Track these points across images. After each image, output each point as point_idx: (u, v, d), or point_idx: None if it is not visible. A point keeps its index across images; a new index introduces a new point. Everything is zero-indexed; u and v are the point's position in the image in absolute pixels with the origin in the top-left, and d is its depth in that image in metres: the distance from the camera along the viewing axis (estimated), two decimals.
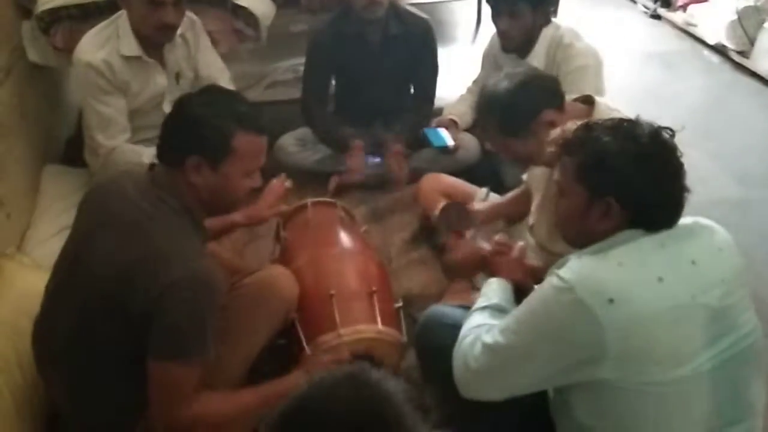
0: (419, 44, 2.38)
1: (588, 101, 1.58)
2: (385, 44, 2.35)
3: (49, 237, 2.02)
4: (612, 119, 1.17)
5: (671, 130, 1.14)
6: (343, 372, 0.73)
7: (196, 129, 1.27)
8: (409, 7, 2.43)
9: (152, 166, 1.37)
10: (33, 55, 2.35)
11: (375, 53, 2.36)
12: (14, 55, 2.27)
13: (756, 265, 2.13)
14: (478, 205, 2.00)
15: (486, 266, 1.51)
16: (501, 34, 2.19)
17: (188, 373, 1.24)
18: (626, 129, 1.13)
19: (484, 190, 2.07)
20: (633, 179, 1.09)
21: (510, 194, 1.98)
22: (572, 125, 1.22)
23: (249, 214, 1.74)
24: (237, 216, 1.76)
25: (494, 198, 2.04)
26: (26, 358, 1.46)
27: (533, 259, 1.60)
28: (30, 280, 1.67)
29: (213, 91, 1.41)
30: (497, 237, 1.53)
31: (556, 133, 1.36)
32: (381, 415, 0.68)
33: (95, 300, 1.26)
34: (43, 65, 2.38)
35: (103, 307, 1.25)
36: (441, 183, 2.17)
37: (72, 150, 2.46)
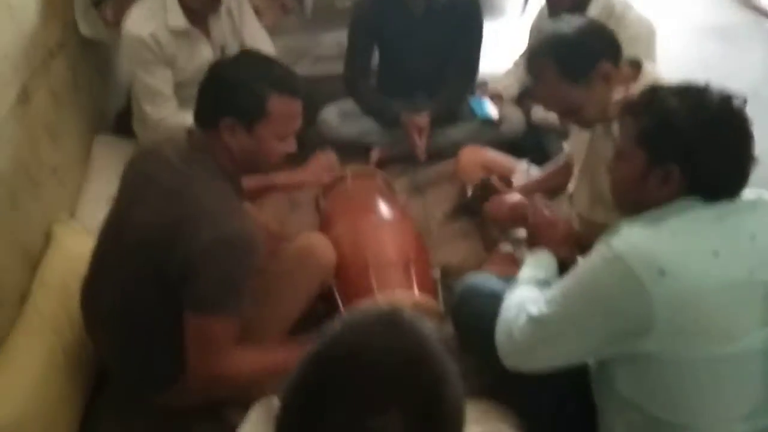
0: (464, 16, 2.35)
1: (635, 65, 1.53)
2: (429, 15, 2.32)
3: (98, 204, 2.09)
4: (681, 83, 1.13)
5: (743, 97, 1.10)
6: (378, 312, 0.72)
7: (230, 91, 1.28)
8: None
9: (190, 131, 1.39)
10: (85, 29, 2.41)
11: (418, 24, 2.33)
12: (67, 29, 2.34)
13: None
14: (515, 181, 1.98)
15: (526, 225, 1.52)
16: None
17: (224, 327, 1.27)
18: (695, 94, 1.10)
19: (524, 163, 2.03)
20: (698, 146, 1.06)
21: (550, 166, 1.95)
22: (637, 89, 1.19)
23: (289, 177, 1.76)
24: (277, 178, 1.80)
25: (535, 171, 2.00)
26: (77, 319, 1.52)
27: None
28: (80, 245, 1.73)
29: (248, 54, 1.42)
30: (543, 204, 1.52)
31: (620, 95, 1.34)
32: (415, 354, 0.68)
33: (138, 264, 1.30)
34: (95, 39, 2.45)
35: (145, 270, 1.29)
36: (480, 156, 2.15)
37: (122, 121, 2.52)
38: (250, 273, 1.27)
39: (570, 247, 1.44)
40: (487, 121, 2.43)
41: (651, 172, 1.09)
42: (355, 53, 2.46)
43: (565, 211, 1.73)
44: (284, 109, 1.32)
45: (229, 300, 1.26)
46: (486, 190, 1.90)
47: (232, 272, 1.24)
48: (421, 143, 2.36)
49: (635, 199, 1.14)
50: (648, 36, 2.08)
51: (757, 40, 3.49)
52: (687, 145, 1.06)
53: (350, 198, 1.83)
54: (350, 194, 1.83)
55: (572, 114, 1.51)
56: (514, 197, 1.78)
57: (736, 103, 1.08)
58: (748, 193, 1.10)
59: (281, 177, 1.74)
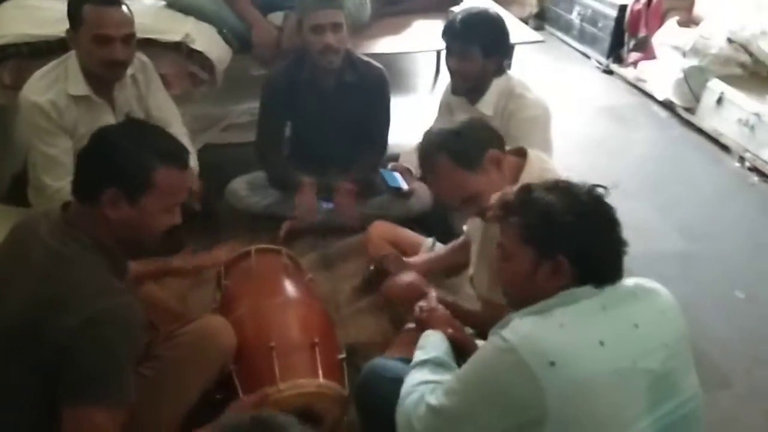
0: (373, 92, 2.41)
1: (520, 153, 1.61)
2: (339, 91, 2.37)
3: None
4: (548, 181, 1.20)
5: (604, 186, 1.18)
6: (250, 417, 0.70)
7: (115, 161, 1.23)
8: (364, 57, 2.46)
9: (66, 204, 1.32)
10: None
11: (329, 100, 2.38)
12: None
13: (697, 317, 2.16)
14: (415, 258, 2.01)
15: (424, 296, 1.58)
16: (451, 74, 2.24)
17: (106, 419, 1.16)
18: (564, 187, 1.16)
19: (430, 240, 2.08)
20: (580, 234, 1.11)
21: (449, 245, 1.99)
22: (510, 189, 1.24)
23: (191, 260, 1.71)
24: (178, 261, 1.74)
25: (440, 248, 2.04)
26: None
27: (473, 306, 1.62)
28: None
29: (134, 123, 1.39)
30: (422, 303, 1.56)
31: (495, 195, 1.39)
32: None
33: (7, 352, 1.19)
34: None
35: (13, 351, 1.19)
36: (389, 231, 2.18)
37: (17, 187, 2.39)
38: (131, 354, 1.19)
39: (454, 327, 1.47)
40: (397, 191, 2.47)
41: (540, 267, 1.13)
42: (265, 125, 2.47)
43: (465, 290, 1.77)
44: (171, 181, 1.27)
45: (109, 386, 1.16)
46: (380, 272, 1.93)
47: (108, 355, 1.15)
48: (348, 208, 2.39)
49: (527, 295, 1.16)
50: (545, 117, 2.20)
51: (645, 122, 3.80)
52: (569, 234, 1.11)
53: (254, 276, 1.78)
54: (254, 272, 1.79)
55: (472, 202, 1.56)
56: (409, 276, 1.82)
57: (600, 192, 1.16)
58: (628, 281, 1.16)
59: (180, 260, 1.68)
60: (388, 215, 2.39)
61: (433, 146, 1.57)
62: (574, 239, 1.11)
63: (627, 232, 2.47)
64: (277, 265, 1.85)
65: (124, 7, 1.96)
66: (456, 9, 3.20)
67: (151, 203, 1.26)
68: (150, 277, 1.68)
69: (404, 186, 2.46)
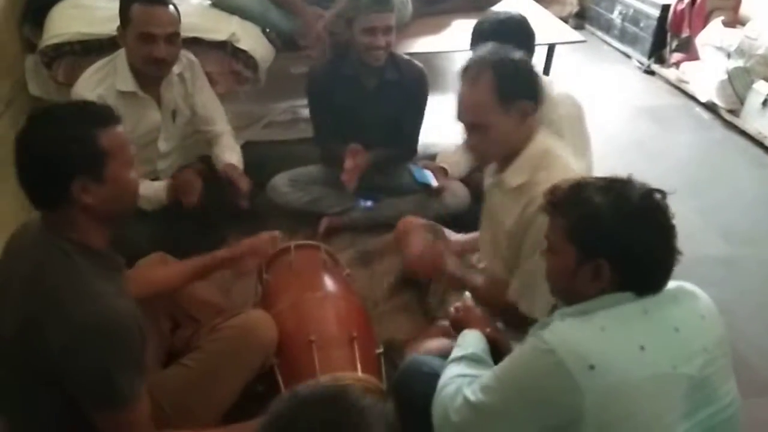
0: (413, 91, 2.44)
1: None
2: (380, 89, 2.40)
3: None
4: (605, 179, 1.16)
5: (663, 191, 1.13)
6: (324, 388, 0.74)
7: (62, 154, 1.18)
8: (406, 55, 2.48)
9: (43, 214, 1.27)
10: (34, 89, 2.41)
11: (369, 97, 2.41)
12: (16, 87, 2.32)
13: (738, 323, 2.13)
14: (455, 236, 2.01)
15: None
16: None
17: (133, 412, 1.20)
18: (618, 189, 1.12)
19: (460, 236, 2.08)
20: (625, 242, 1.08)
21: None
22: (563, 182, 1.21)
23: (231, 251, 1.75)
24: (221, 251, 1.78)
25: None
26: None
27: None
28: None
29: (40, 114, 1.27)
30: (458, 304, 1.57)
31: (545, 188, 1.40)
32: (351, 428, 0.69)
33: (11, 363, 1.22)
34: (45, 98, 2.43)
35: (19, 368, 1.21)
36: (418, 225, 2.14)
37: None
38: (125, 356, 1.19)
39: (491, 327, 1.48)
40: (426, 188, 2.47)
41: (581, 268, 1.12)
42: (318, 119, 2.53)
43: None
44: (116, 139, 1.24)
45: (112, 394, 1.18)
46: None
47: (99, 368, 1.15)
48: (351, 166, 2.36)
49: (567, 290, 1.17)
50: (579, 113, 2.20)
51: (687, 124, 3.73)
52: (614, 240, 1.08)
53: (293, 272, 1.82)
54: (293, 267, 1.83)
55: (479, 134, 1.55)
56: (426, 246, 1.87)
57: (658, 197, 1.12)
58: (669, 284, 1.14)
59: (224, 251, 1.73)
60: (424, 213, 2.41)
61: (487, 59, 1.54)
62: (617, 245, 1.09)
63: None
64: (316, 260, 1.89)
65: (170, 7, 2.03)
66: (495, 9, 3.22)
67: (115, 168, 1.23)
68: (198, 279, 1.73)
69: (433, 183, 2.46)
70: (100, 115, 1.24)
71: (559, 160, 1.56)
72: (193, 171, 2.22)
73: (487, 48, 1.60)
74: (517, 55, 1.56)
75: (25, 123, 1.23)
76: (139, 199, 2.03)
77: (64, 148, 1.18)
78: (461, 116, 1.59)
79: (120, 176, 1.24)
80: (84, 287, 1.18)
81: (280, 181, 2.51)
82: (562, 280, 1.18)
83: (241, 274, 1.92)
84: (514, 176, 1.56)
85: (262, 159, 2.74)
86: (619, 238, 1.09)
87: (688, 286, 1.17)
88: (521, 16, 2.19)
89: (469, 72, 1.56)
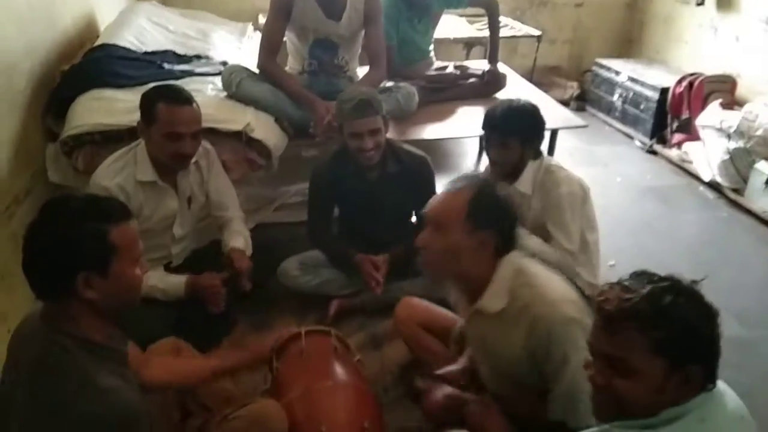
0: (417, 181, 2.48)
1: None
2: (383, 182, 2.45)
3: None
4: (667, 279, 1.10)
5: (695, 281, 1.12)
6: None
7: (71, 248, 1.20)
8: (407, 147, 2.54)
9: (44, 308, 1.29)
10: (54, 176, 2.48)
11: (373, 190, 2.46)
12: (36, 176, 2.40)
13: (759, 408, 2.08)
14: (449, 368, 1.91)
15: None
16: (492, 163, 2.36)
17: None
18: (688, 290, 1.08)
19: (462, 321, 2.06)
20: (713, 344, 1.06)
21: None
22: (607, 290, 1.12)
23: (255, 354, 1.78)
24: (246, 357, 1.80)
25: None
26: None
27: None
28: None
29: (53, 205, 1.28)
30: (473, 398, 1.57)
31: (539, 305, 1.45)
32: None
33: None
34: (64, 185, 2.50)
35: None
36: (418, 312, 2.14)
37: None
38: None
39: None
40: None
41: (671, 379, 1.05)
42: (316, 212, 2.57)
43: None
44: (126, 236, 1.27)
45: None
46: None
47: None
48: (377, 276, 2.40)
49: (650, 407, 1.07)
50: (583, 194, 2.30)
51: (692, 203, 3.77)
52: (711, 343, 1.06)
53: (304, 359, 1.81)
54: (304, 355, 1.83)
55: (436, 237, 1.57)
56: (444, 391, 1.75)
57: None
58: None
59: (246, 356, 1.76)
60: (431, 296, 2.41)
61: (475, 180, 1.60)
62: (712, 347, 1.06)
63: None
64: (326, 346, 1.89)
65: (194, 105, 2.11)
66: (499, 95, 3.34)
67: (121, 264, 1.25)
68: (219, 377, 1.74)
69: None
70: (113, 211, 1.27)
71: (535, 276, 1.56)
72: (216, 276, 2.22)
73: (480, 175, 1.69)
74: (503, 193, 1.62)
75: (39, 212, 1.25)
76: (154, 292, 2.11)
77: (74, 241, 1.20)
78: (427, 210, 1.61)
79: (125, 273, 1.26)
80: (87, 383, 1.18)
81: (290, 265, 2.54)
82: (647, 399, 1.07)
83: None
84: (492, 301, 1.55)
85: (273, 241, 2.79)
86: (712, 340, 1.06)
87: (719, 383, 1.13)
88: (532, 104, 2.30)
89: (455, 183, 1.62)
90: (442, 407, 1.70)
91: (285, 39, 2.85)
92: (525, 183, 2.29)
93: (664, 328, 1.04)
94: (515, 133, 2.23)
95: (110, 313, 1.29)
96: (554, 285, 1.55)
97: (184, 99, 2.10)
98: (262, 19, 2.96)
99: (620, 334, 1.07)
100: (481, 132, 2.34)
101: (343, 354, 1.91)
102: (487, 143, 2.35)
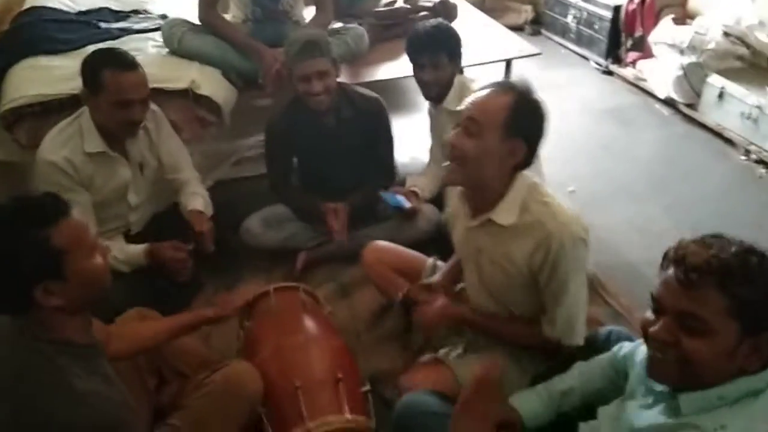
0: (372, 123, 2.47)
1: None
2: (339, 127, 2.42)
3: None
4: (744, 245, 1.06)
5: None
6: None
7: (16, 265, 1.14)
8: (359, 89, 2.50)
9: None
10: None
11: (330, 136, 2.43)
12: None
13: None
14: (435, 277, 2.00)
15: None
16: (423, 85, 2.44)
17: None
18: (761, 253, 1.05)
19: (431, 260, 2.08)
20: None
21: (452, 260, 1.98)
22: (687, 245, 1.09)
23: (217, 309, 1.77)
24: (208, 311, 1.79)
25: (441, 266, 2.03)
26: None
27: None
28: None
29: None
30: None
31: (554, 222, 1.48)
32: None
33: None
34: (8, 161, 2.42)
35: None
36: (385, 254, 2.14)
37: None
38: None
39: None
40: (400, 211, 2.49)
41: (742, 344, 1.01)
42: (274, 165, 2.54)
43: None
44: (70, 232, 1.19)
45: None
46: (409, 304, 1.91)
47: None
48: (338, 225, 2.41)
49: (720, 373, 1.03)
50: None
51: (648, 121, 3.81)
52: None
53: (274, 316, 1.83)
54: (274, 312, 1.84)
55: (469, 139, 1.53)
56: (439, 302, 1.77)
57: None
58: None
59: (210, 310, 1.75)
60: (398, 238, 2.44)
61: (516, 86, 1.55)
62: None
63: (639, 236, 2.50)
64: (296, 302, 1.90)
65: (140, 69, 2.03)
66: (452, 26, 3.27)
67: (76, 261, 1.19)
68: (182, 335, 1.74)
69: (406, 205, 2.48)
70: (47, 212, 1.18)
71: (548, 195, 1.57)
72: (178, 247, 2.16)
73: (521, 79, 1.61)
74: (539, 98, 1.56)
75: None
76: (116, 264, 2.08)
77: (16, 257, 1.14)
78: (467, 109, 1.55)
79: (83, 267, 1.20)
80: (67, 390, 1.15)
81: (253, 223, 2.52)
82: (719, 363, 1.02)
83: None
84: (505, 215, 1.55)
85: (234, 198, 2.76)
86: None
87: None
88: (448, 24, 2.44)
89: (498, 85, 1.58)
90: (441, 316, 1.73)
91: None
92: (452, 101, 2.36)
93: (748, 290, 1.00)
94: (444, 51, 2.34)
95: (83, 308, 1.25)
96: (564, 205, 1.57)
97: (130, 63, 2.02)
98: None
99: (700, 290, 1.02)
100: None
101: (313, 307, 1.93)
102: (416, 67, 2.42)
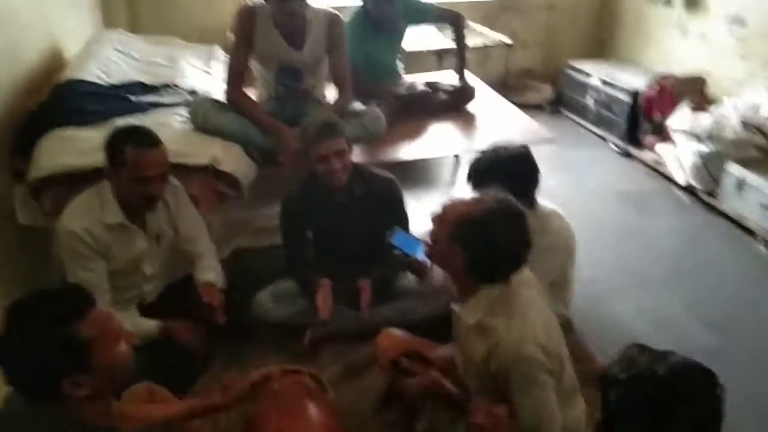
0: (385, 203, 2.51)
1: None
2: (352, 204, 2.46)
3: None
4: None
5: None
6: None
7: (46, 363, 1.19)
8: (373, 168, 2.56)
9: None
10: (23, 218, 2.45)
11: (343, 213, 2.47)
12: (4, 219, 2.37)
13: (731, 417, 2.11)
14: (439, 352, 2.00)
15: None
16: None
17: None
18: None
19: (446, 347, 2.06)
20: None
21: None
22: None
23: (226, 396, 1.77)
24: (217, 398, 1.79)
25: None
26: None
27: None
28: None
29: (19, 319, 1.23)
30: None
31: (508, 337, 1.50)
32: None
33: None
34: (33, 226, 2.48)
35: None
36: (399, 342, 2.12)
37: None
38: None
39: None
40: (412, 258, 2.28)
41: None
42: (289, 241, 2.58)
43: None
44: (97, 324, 1.24)
45: None
46: (398, 373, 1.94)
47: None
48: (322, 302, 2.41)
49: None
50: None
51: (667, 207, 3.80)
52: None
53: (278, 401, 1.82)
54: (278, 396, 1.83)
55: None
56: (433, 375, 1.87)
57: None
58: None
59: (219, 396, 1.75)
60: (410, 319, 2.42)
61: (484, 199, 1.62)
62: None
63: (655, 328, 2.45)
64: (300, 387, 1.88)
65: (161, 146, 2.10)
66: (468, 108, 3.34)
67: (102, 353, 1.23)
68: (191, 419, 1.75)
69: (419, 253, 2.14)
70: (73, 307, 1.23)
71: (515, 305, 1.59)
72: (189, 329, 2.20)
73: (504, 198, 1.62)
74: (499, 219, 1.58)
75: (4, 329, 1.21)
76: None
77: (46, 355, 1.18)
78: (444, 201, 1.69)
79: (109, 357, 1.25)
80: None
81: (264, 297, 2.54)
82: None
83: None
84: (468, 314, 1.63)
85: (250, 266, 2.79)
86: None
87: None
88: (520, 150, 2.17)
89: (482, 192, 1.68)
90: (425, 387, 1.82)
91: (251, 66, 2.84)
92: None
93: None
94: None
95: (107, 394, 1.30)
96: (529, 319, 1.58)
97: (151, 141, 2.09)
98: (231, 35, 2.95)
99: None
100: (456, 150, 2.35)
101: (317, 393, 1.91)
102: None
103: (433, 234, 1.66)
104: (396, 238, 2.23)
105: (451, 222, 1.59)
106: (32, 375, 1.20)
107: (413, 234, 2.34)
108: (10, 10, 2.68)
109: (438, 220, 1.65)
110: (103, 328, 1.25)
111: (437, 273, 2.49)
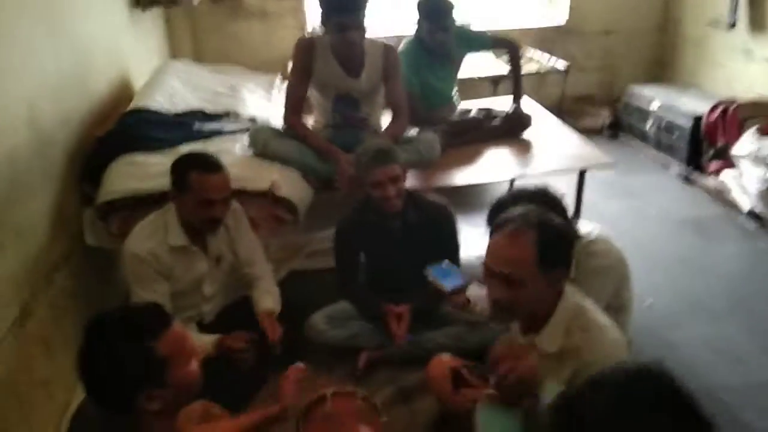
0: (438, 229, 2.51)
1: None
2: (405, 230, 2.49)
3: None
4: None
5: None
6: None
7: (125, 376, 1.25)
8: (427, 196, 2.58)
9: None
10: (91, 240, 2.57)
11: (396, 239, 2.50)
12: (73, 240, 2.50)
13: None
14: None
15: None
16: None
17: None
18: None
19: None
20: None
21: None
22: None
23: (272, 410, 1.79)
24: (273, 408, 1.82)
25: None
26: None
27: None
28: None
29: (99, 333, 1.29)
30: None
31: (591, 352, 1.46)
32: None
33: None
34: (100, 247, 2.60)
35: None
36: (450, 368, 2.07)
37: None
38: None
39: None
40: (446, 292, 2.23)
41: None
42: (342, 265, 2.62)
43: None
44: (173, 342, 1.30)
45: None
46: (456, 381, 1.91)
47: None
48: (398, 330, 2.42)
49: None
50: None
51: (730, 234, 3.66)
52: None
53: (330, 422, 1.84)
54: (330, 418, 1.85)
55: (512, 290, 1.53)
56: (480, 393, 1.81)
57: None
58: None
59: (271, 409, 1.78)
60: (464, 345, 2.41)
61: (531, 219, 1.53)
62: None
63: (717, 358, 2.35)
64: (352, 408, 1.91)
65: (224, 171, 2.20)
66: (525, 135, 3.33)
67: (176, 369, 1.29)
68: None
69: (449, 286, 2.17)
70: (154, 324, 1.29)
71: (592, 320, 1.57)
72: (242, 338, 2.23)
73: (529, 208, 1.60)
74: (559, 221, 1.59)
75: (83, 342, 1.27)
76: None
77: (125, 369, 1.24)
78: (494, 266, 1.55)
79: (183, 374, 1.31)
80: None
81: (318, 320, 2.57)
82: None
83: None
84: (549, 342, 1.58)
85: (305, 288, 2.84)
86: None
87: None
88: (542, 189, 2.06)
89: (509, 225, 1.55)
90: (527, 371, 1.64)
91: (309, 94, 2.92)
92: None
93: None
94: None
95: (177, 411, 1.36)
96: (608, 332, 1.55)
97: (215, 166, 2.19)
98: (290, 65, 3.05)
99: None
100: (512, 175, 2.31)
101: (369, 415, 1.92)
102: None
103: (514, 299, 1.54)
104: (434, 271, 2.23)
105: (533, 263, 1.50)
106: (110, 387, 1.26)
107: (454, 267, 2.30)
108: (85, 42, 2.86)
109: (509, 280, 1.52)
110: (179, 346, 1.31)
111: (480, 306, 2.47)
